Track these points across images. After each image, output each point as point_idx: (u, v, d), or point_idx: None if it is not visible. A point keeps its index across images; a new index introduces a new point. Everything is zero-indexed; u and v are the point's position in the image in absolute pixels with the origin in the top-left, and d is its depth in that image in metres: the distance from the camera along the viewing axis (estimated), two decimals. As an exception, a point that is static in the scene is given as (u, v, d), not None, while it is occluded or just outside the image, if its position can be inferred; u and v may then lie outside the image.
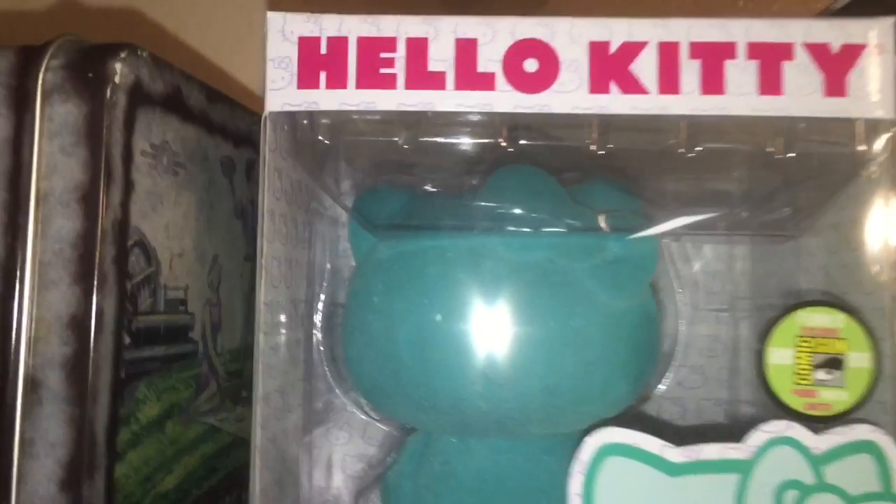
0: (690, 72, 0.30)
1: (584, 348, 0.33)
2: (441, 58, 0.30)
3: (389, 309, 0.34)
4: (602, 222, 0.34)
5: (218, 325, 0.40)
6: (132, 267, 0.32)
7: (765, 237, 0.40)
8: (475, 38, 0.30)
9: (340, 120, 0.32)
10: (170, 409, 0.36)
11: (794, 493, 0.31)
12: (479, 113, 0.30)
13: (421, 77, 0.30)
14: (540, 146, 0.32)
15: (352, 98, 0.30)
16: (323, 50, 0.30)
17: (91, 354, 0.30)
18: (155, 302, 0.34)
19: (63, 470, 0.30)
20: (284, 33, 0.30)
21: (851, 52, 0.30)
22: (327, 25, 0.30)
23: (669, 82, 0.30)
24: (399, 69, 0.30)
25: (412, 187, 0.37)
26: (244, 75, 0.54)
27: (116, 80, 0.31)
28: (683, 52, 0.30)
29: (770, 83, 0.30)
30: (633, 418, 0.38)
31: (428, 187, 0.37)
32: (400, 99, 0.30)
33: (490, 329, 0.32)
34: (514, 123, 0.32)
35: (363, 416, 0.41)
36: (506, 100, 0.30)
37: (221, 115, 0.40)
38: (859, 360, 0.33)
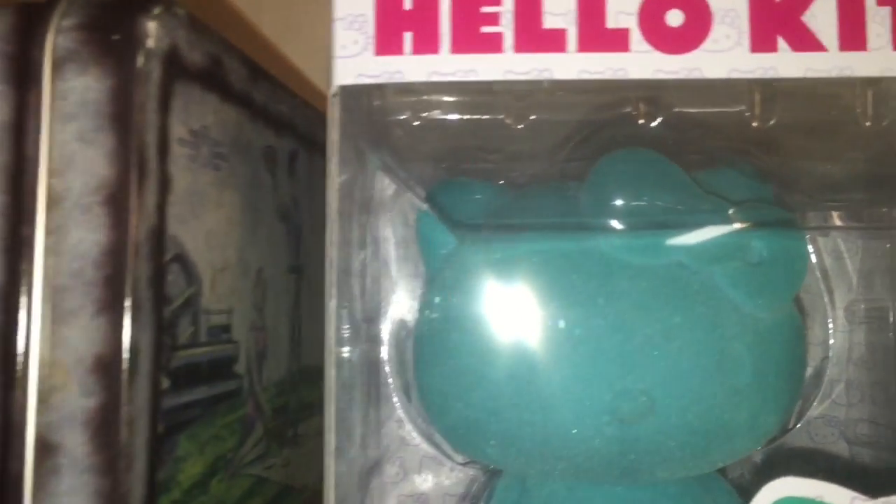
0: (878, 22, 0.25)
1: (732, 373, 0.28)
2: (560, 11, 0.26)
3: (483, 329, 0.29)
4: (737, 216, 0.29)
5: (263, 353, 0.34)
6: (170, 288, 0.26)
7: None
8: (603, -15, 0.26)
9: (423, 95, 0.27)
10: (214, 464, 0.30)
11: None
12: (609, 81, 0.25)
13: (534, 36, 0.26)
14: (686, 120, 0.27)
15: (446, 65, 0.25)
16: (407, 5, 0.26)
17: (123, 406, 0.24)
18: (196, 331, 0.28)
19: (91, 559, 0.24)
20: (358, -15, 0.26)
21: None
22: (414, -27, 0.26)
23: (853, 36, 0.25)
24: (506, 26, 0.26)
25: (492, 179, 0.33)
26: (287, 47, 0.46)
27: (150, 43, 0.25)
28: (870, -4, 0.25)
29: None
30: (789, 454, 0.33)
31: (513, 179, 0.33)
32: (508, 65, 0.25)
33: (617, 353, 0.28)
34: (650, 95, 0.27)
35: (442, 457, 0.36)
36: (644, 63, 0.25)
37: (263, 96, 0.33)
38: None
